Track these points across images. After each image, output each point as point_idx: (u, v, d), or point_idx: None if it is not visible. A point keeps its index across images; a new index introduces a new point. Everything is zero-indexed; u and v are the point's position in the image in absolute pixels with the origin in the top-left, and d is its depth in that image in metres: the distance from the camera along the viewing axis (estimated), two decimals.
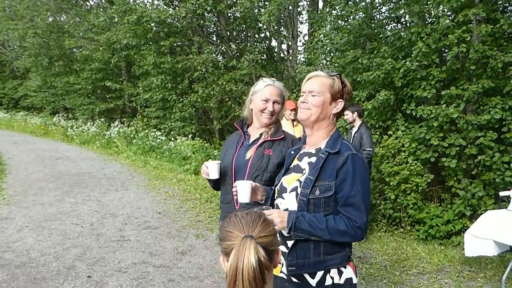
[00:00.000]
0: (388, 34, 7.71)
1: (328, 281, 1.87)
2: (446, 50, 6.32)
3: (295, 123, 6.17)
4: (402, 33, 7.16)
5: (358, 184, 1.82)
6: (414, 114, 6.19)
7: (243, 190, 2.08)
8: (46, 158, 11.77)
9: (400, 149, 6.26)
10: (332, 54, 8.43)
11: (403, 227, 6.09)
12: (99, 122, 16.65)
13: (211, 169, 2.41)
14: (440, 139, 5.86)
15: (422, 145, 6.15)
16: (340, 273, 1.89)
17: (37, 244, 5.15)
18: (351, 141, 5.99)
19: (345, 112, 5.90)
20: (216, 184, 2.60)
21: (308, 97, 1.96)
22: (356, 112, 5.84)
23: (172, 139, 12.83)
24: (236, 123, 2.66)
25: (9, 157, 11.94)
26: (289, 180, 2.00)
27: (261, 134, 2.53)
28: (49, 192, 7.79)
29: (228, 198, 2.51)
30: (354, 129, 5.83)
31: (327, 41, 8.03)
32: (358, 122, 5.82)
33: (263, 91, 2.47)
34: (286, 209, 1.93)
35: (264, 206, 2.01)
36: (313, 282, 1.88)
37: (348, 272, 1.91)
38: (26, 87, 24.17)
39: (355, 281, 1.93)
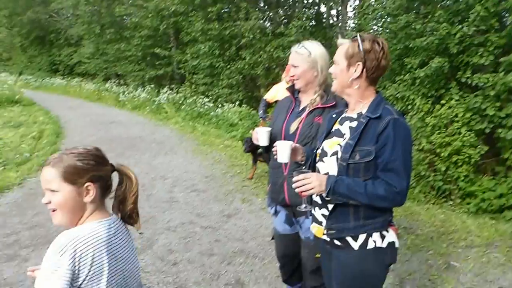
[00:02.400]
0: None
1: (371, 245, 1.88)
2: (507, 14, 5.93)
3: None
4: None
5: (398, 149, 1.78)
6: (469, 82, 5.92)
7: (282, 150, 2.13)
8: (99, 122, 12.30)
9: (453, 119, 6.02)
10: (383, 20, 8.12)
11: (453, 200, 5.93)
12: (149, 88, 17.03)
13: (261, 136, 2.45)
14: (496, 109, 5.58)
15: (477, 115, 5.89)
16: (382, 237, 1.90)
17: None
18: None
19: None
20: (267, 149, 2.63)
21: (332, 67, 2.01)
22: None
23: (220, 105, 12.97)
24: (287, 89, 2.65)
25: (66, 121, 12.59)
26: (330, 144, 1.99)
27: (311, 101, 2.50)
28: None
29: (277, 164, 2.51)
30: None
31: (378, 5, 7.73)
32: None
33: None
34: (326, 173, 1.95)
35: (304, 169, 2.05)
36: (355, 245, 1.90)
37: (390, 236, 1.91)
38: (80, 54, 25.01)
39: (397, 245, 1.94)
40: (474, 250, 4.32)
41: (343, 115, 2.07)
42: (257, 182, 6.59)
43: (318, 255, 2.42)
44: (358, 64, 1.89)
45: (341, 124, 2.03)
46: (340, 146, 1.91)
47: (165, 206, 5.38)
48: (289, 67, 5.75)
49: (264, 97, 5.96)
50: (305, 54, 2.45)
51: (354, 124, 1.94)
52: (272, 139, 2.51)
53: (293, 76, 2.49)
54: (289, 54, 2.56)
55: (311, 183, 1.85)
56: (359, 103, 1.97)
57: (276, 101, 5.63)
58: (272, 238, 2.88)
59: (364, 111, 1.93)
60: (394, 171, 1.78)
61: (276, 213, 2.66)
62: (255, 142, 2.53)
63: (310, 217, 2.36)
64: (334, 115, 2.12)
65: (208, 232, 4.61)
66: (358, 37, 1.89)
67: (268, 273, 3.72)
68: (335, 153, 1.93)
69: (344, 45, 1.94)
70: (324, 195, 1.89)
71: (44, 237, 4.36)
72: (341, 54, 1.93)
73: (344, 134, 1.96)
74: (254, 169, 6.59)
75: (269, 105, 5.93)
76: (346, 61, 1.91)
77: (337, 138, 1.99)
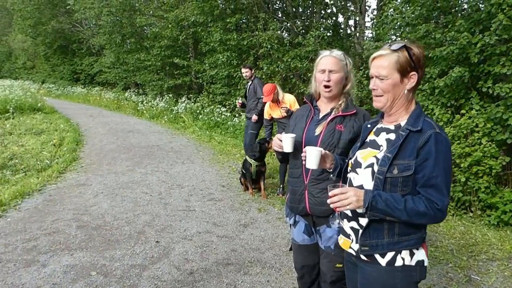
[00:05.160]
0: (465, 6, 7.21)
1: (399, 262, 1.83)
2: None
3: (279, 103, 6.16)
4: (480, 5, 6.67)
5: (441, 165, 1.72)
6: (490, 92, 5.80)
7: (311, 156, 2.08)
8: (118, 131, 12.46)
9: (474, 129, 5.90)
10: (402, 29, 8.05)
11: (473, 212, 5.79)
12: (167, 97, 17.22)
13: (286, 142, 2.36)
14: None
15: (498, 125, 5.76)
16: (411, 255, 1.83)
17: (111, 209, 5.52)
18: (247, 92, 7.48)
19: (243, 71, 7.46)
20: (284, 157, 2.58)
21: (376, 82, 1.86)
22: (253, 69, 7.55)
23: (237, 115, 13.01)
24: (305, 97, 2.61)
25: (86, 128, 12.80)
26: (365, 156, 1.93)
27: (332, 109, 2.47)
28: (122, 162, 8.27)
29: (297, 173, 2.50)
30: (250, 82, 7.39)
31: (397, 15, 7.67)
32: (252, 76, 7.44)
33: (320, 63, 2.45)
34: (361, 186, 1.89)
35: (339, 184, 1.90)
36: (383, 261, 1.85)
37: (420, 254, 1.85)
38: (101, 64, 25.48)
39: (426, 263, 1.86)
40: (496, 264, 4.21)
41: (378, 126, 2.01)
42: (273, 191, 6.56)
43: (338, 265, 2.38)
44: (413, 74, 1.83)
45: (376, 135, 1.97)
46: (377, 158, 1.85)
47: (182, 215, 5.39)
48: (269, 88, 6.05)
49: (265, 117, 6.52)
50: (343, 60, 2.45)
51: (392, 136, 1.88)
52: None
53: (328, 81, 2.40)
54: (306, 64, 2.51)
55: (348, 198, 1.77)
56: (398, 114, 1.91)
57: (273, 118, 6.39)
58: (290, 249, 2.84)
59: (403, 123, 1.87)
60: (436, 187, 1.72)
61: (295, 223, 2.63)
62: (275, 148, 2.48)
63: (334, 226, 2.33)
64: (369, 125, 2.07)
65: (225, 242, 4.59)
66: (405, 46, 1.82)
67: (285, 284, 3.69)
68: (371, 165, 1.87)
69: (386, 56, 1.83)
70: (360, 211, 1.80)
71: (63, 243, 4.41)
72: (390, 67, 1.82)
73: (381, 146, 1.90)
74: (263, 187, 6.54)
75: (270, 121, 6.59)
76: (398, 73, 1.82)
77: (372, 149, 1.94)
